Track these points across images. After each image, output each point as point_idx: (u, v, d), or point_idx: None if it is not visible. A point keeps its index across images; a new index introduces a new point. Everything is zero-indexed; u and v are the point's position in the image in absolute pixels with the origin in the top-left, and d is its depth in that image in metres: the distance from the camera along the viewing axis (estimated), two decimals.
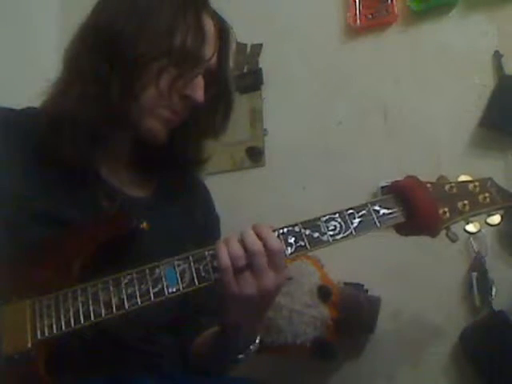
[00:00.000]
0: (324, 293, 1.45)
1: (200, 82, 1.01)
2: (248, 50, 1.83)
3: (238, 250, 0.85)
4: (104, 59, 0.96)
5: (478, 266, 1.44)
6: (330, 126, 1.71)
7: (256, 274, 0.85)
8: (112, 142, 1.03)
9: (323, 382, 1.60)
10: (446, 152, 1.56)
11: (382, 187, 1.58)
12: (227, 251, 0.86)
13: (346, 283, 1.52)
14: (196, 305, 1.09)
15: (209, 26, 1.02)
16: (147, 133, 1.02)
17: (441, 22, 1.61)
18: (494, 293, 1.42)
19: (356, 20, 1.70)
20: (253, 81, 1.82)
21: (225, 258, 0.85)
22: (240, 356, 1.01)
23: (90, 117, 0.95)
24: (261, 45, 1.83)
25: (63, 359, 0.84)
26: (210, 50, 1.01)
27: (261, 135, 1.80)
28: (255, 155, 1.79)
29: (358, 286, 1.53)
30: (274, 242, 0.87)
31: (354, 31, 1.72)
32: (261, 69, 1.83)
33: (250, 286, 0.85)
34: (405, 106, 1.63)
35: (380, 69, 1.67)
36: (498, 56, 1.52)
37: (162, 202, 1.09)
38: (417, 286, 1.51)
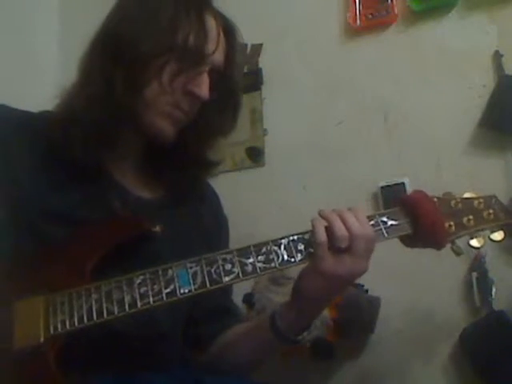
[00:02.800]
0: None
1: (205, 78, 1.02)
2: (248, 50, 1.84)
3: (343, 231, 0.90)
4: (110, 60, 0.99)
5: (478, 266, 1.44)
6: (329, 126, 1.71)
7: (353, 256, 0.90)
8: (122, 143, 1.04)
9: (323, 382, 1.60)
10: (446, 152, 1.56)
11: (382, 187, 1.59)
12: (328, 230, 0.90)
13: None
14: (208, 306, 1.11)
15: (211, 24, 1.03)
16: (155, 132, 1.03)
17: (441, 22, 1.62)
18: (493, 293, 1.42)
19: (356, 20, 1.70)
20: (253, 81, 1.82)
21: (321, 233, 0.90)
22: (299, 337, 1.00)
23: (98, 118, 0.97)
24: (261, 45, 1.83)
25: (73, 356, 0.85)
26: (211, 48, 1.02)
27: (261, 135, 1.80)
28: (255, 155, 1.79)
29: (358, 286, 1.53)
30: (371, 229, 0.93)
31: (353, 31, 1.72)
32: (261, 69, 1.83)
33: (344, 267, 0.90)
34: (405, 106, 1.63)
35: (380, 69, 1.67)
36: (498, 56, 1.52)
37: (171, 205, 1.10)
38: (417, 286, 1.51)
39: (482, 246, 1.04)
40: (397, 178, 1.57)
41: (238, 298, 1.38)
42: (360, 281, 1.53)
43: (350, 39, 1.73)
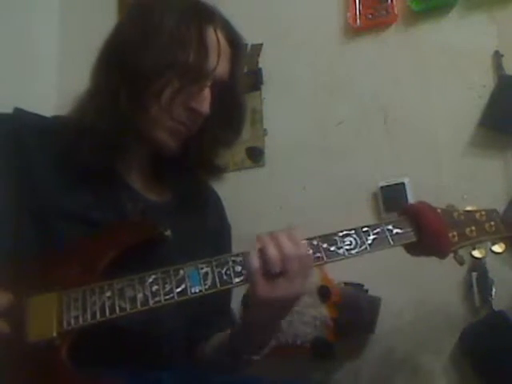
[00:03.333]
0: (324, 293, 1.45)
1: (206, 94, 1.04)
2: (248, 49, 1.83)
3: (275, 255, 0.89)
4: (116, 74, 1.02)
5: (477, 266, 1.44)
6: (330, 126, 1.71)
7: (288, 278, 0.89)
8: (129, 151, 1.08)
9: (323, 382, 1.60)
10: (446, 152, 1.56)
11: (382, 187, 1.59)
12: (261, 254, 0.90)
13: (346, 283, 1.52)
14: (209, 307, 1.12)
15: (213, 40, 1.04)
16: (157, 144, 1.06)
17: (441, 22, 1.62)
18: (493, 293, 1.42)
19: (356, 20, 1.70)
20: (253, 81, 1.82)
21: (254, 260, 0.90)
22: (254, 357, 1.03)
23: (105, 128, 1.00)
24: (261, 45, 1.83)
25: (84, 351, 0.86)
26: (212, 64, 1.03)
27: (261, 135, 1.80)
28: (255, 155, 1.79)
29: (358, 286, 1.53)
30: (305, 248, 0.92)
31: (354, 31, 1.72)
32: (261, 69, 1.83)
33: (279, 290, 0.89)
34: (405, 106, 1.63)
35: (380, 69, 1.67)
36: (498, 56, 1.52)
37: (179, 209, 1.13)
38: (417, 286, 1.51)
39: (483, 257, 1.07)
40: (397, 178, 1.57)
41: (238, 298, 1.38)
42: (360, 281, 1.53)
43: (350, 39, 1.73)
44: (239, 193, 1.76)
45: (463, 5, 1.59)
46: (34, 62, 1.91)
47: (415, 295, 1.52)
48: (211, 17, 1.06)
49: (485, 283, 1.43)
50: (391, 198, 1.57)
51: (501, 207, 1.42)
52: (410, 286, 1.52)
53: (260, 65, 1.83)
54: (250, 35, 1.78)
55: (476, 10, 1.58)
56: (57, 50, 2.01)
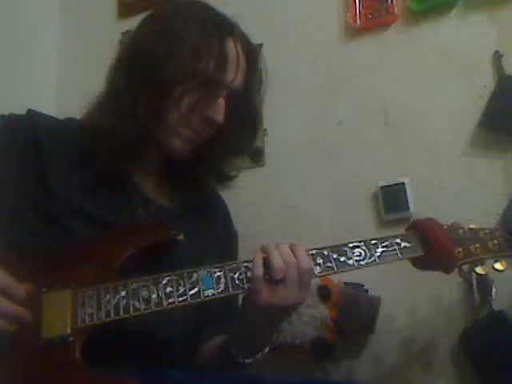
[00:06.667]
0: (324, 293, 1.45)
1: (221, 104, 1.07)
2: None
3: (279, 262, 0.93)
4: (135, 81, 1.05)
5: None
6: (330, 126, 1.71)
7: (287, 286, 0.93)
8: (144, 155, 1.11)
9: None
10: (446, 152, 1.56)
11: (382, 187, 1.59)
12: (265, 261, 0.93)
13: (345, 283, 1.52)
14: (212, 311, 1.14)
15: (232, 51, 1.08)
16: (170, 150, 1.09)
17: (441, 22, 1.62)
18: (493, 293, 1.42)
19: (356, 20, 1.70)
20: None
21: (259, 267, 0.93)
22: (247, 360, 1.05)
23: (121, 133, 1.03)
24: (261, 45, 1.83)
25: (96, 349, 0.87)
26: (231, 75, 1.07)
27: (261, 135, 1.79)
28: (255, 155, 1.79)
29: (358, 286, 1.53)
30: (307, 260, 0.95)
31: (354, 31, 1.72)
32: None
33: (278, 297, 0.93)
34: (405, 106, 1.63)
35: (380, 69, 1.67)
36: (497, 56, 1.52)
37: (187, 214, 1.16)
38: (417, 286, 1.51)
39: (486, 274, 1.10)
40: (397, 178, 1.57)
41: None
42: (360, 281, 1.53)
43: (350, 39, 1.73)
44: (239, 193, 1.76)
45: (463, 5, 1.59)
46: (34, 61, 1.91)
47: (415, 295, 1.52)
48: (231, 29, 1.10)
49: (485, 283, 1.42)
50: (391, 198, 1.57)
51: (501, 207, 1.42)
52: (410, 286, 1.52)
53: None
54: (250, 35, 1.79)
55: (476, 10, 1.58)
56: (57, 49, 2.01)
